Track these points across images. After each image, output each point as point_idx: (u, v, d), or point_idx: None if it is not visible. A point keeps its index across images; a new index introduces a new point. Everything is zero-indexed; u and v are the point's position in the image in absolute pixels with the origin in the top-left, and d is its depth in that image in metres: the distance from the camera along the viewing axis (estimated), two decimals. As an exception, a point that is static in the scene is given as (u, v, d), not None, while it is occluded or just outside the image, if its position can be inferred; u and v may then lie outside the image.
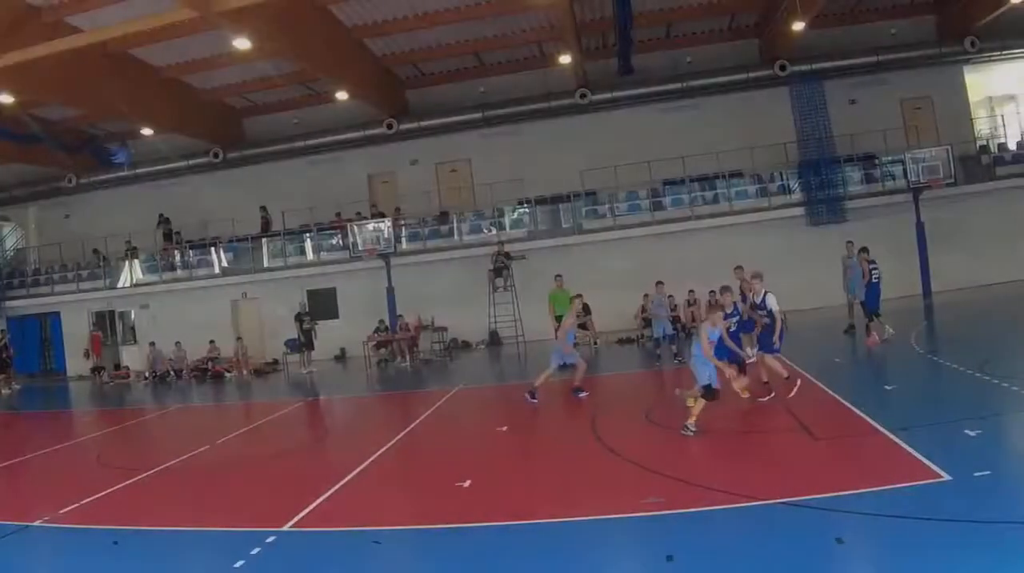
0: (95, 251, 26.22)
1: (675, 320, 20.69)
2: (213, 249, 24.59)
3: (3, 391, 21.97)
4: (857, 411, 9.61)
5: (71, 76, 19.19)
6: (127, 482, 9.47)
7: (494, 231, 23.63)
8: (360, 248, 21.98)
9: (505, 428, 11.45)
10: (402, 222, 23.61)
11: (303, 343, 21.38)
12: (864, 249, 15.82)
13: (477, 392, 15.63)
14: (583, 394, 12.68)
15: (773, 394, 10.82)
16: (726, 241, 22.50)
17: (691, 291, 20.78)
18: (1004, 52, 23.73)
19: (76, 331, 25.76)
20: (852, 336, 16.49)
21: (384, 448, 10.43)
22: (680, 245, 22.60)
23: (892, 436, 8.29)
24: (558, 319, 16.77)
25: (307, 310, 22.07)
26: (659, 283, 15.94)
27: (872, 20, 23.72)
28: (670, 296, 20.66)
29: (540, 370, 13.35)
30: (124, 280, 25.30)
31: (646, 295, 20.55)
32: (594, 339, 20.70)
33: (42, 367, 27.41)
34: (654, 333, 16.17)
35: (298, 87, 24.28)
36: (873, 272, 15.37)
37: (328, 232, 24.02)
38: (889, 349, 14.40)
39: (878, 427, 8.75)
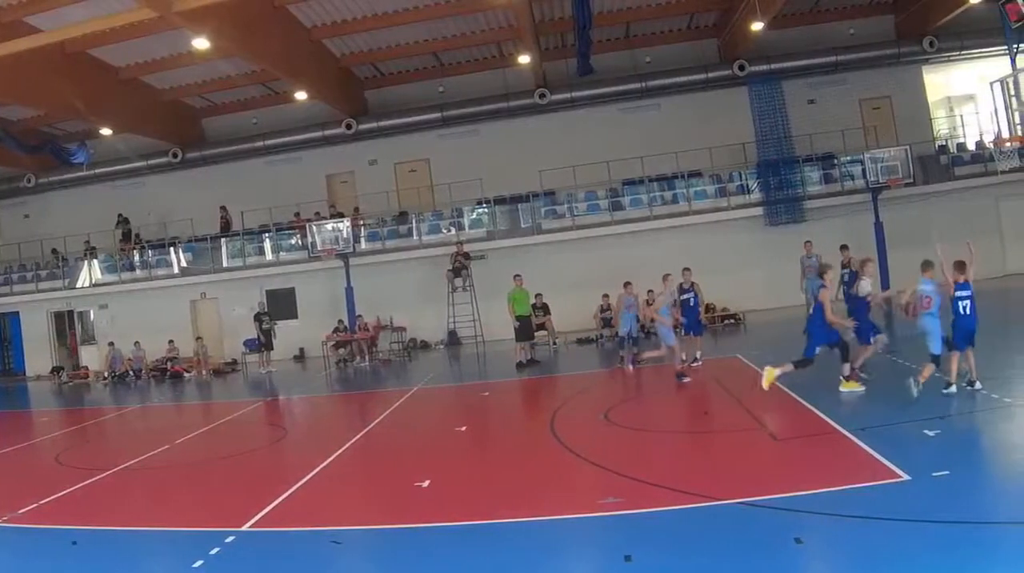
0: (54, 251, 27.29)
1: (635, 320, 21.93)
2: (172, 249, 25.67)
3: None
4: (816, 411, 10.11)
5: (30, 76, 20.01)
6: (86, 482, 9.83)
7: (453, 231, 24.74)
8: (319, 248, 23.02)
9: (464, 428, 12.09)
10: (361, 222, 24.67)
11: (262, 343, 22.43)
12: (844, 246, 16.78)
13: (436, 392, 16.43)
14: (686, 379, 13.45)
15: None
16: (685, 241, 23.67)
17: (650, 291, 21.74)
18: (963, 52, 24.96)
19: (35, 331, 26.82)
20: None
21: (343, 448, 10.97)
22: (639, 245, 23.69)
23: (851, 436, 8.72)
24: (519, 318, 17.87)
25: (266, 310, 23.10)
26: (627, 283, 16.53)
27: (831, 20, 24.96)
28: (608, 302, 21.94)
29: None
30: (83, 280, 26.35)
31: (605, 295, 21.72)
32: (553, 339, 21.82)
33: (1, 367, 28.48)
34: (620, 331, 16.68)
35: (257, 87, 25.36)
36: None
37: (287, 232, 25.12)
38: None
39: (837, 427, 9.20)
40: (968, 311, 9.83)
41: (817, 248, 23.58)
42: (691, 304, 14.79)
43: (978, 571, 5.38)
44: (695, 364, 14.80)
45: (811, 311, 12.04)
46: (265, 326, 22.43)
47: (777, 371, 11.02)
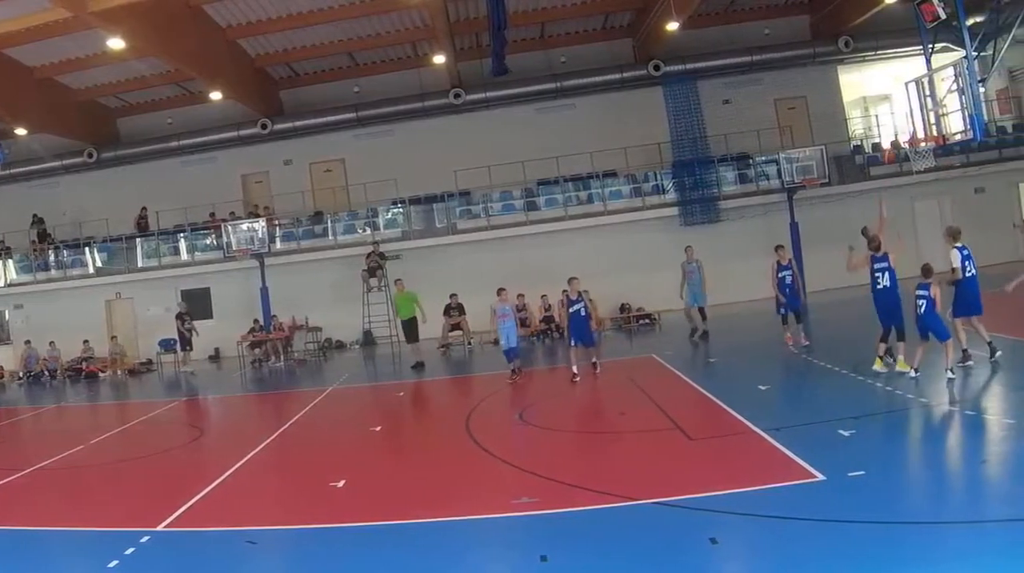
0: (-32, 251, 29.52)
1: (548, 320, 24.32)
2: (87, 249, 27.94)
3: None
4: (731, 411, 10.93)
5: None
6: None
7: (368, 231, 27.13)
8: (234, 248, 25.36)
9: (379, 428, 13.30)
10: (276, 222, 27.00)
11: (183, 343, 24.56)
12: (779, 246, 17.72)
13: (351, 392, 17.98)
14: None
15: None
16: (600, 241, 26.14)
17: (564, 291, 24.09)
18: (878, 52, 27.52)
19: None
20: (706, 340, 19.10)
21: (258, 448, 11.91)
22: (555, 245, 26.06)
23: (766, 436, 9.44)
24: (406, 321, 20.02)
25: (187, 310, 25.27)
26: (501, 290, 16.51)
27: (746, 20, 27.46)
28: (542, 296, 24.14)
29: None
30: (-3, 280, 28.62)
31: (521, 295, 23.93)
32: (468, 339, 24.12)
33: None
34: (504, 344, 16.14)
35: (172, 87, 27.63)
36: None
37: (202, 232, 27.42)
38: (763, 349, 16.49)
39: (752, 427, 9.93)
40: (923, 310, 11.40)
41: (733, 248, 26.31)
42: (581, 314, 15.31)
43: (893, 571, 5.85)
44: (595, 371, 15.50)
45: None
46: (186, 326, 24.52)
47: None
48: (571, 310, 15.24)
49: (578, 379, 14.90)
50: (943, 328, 11.31)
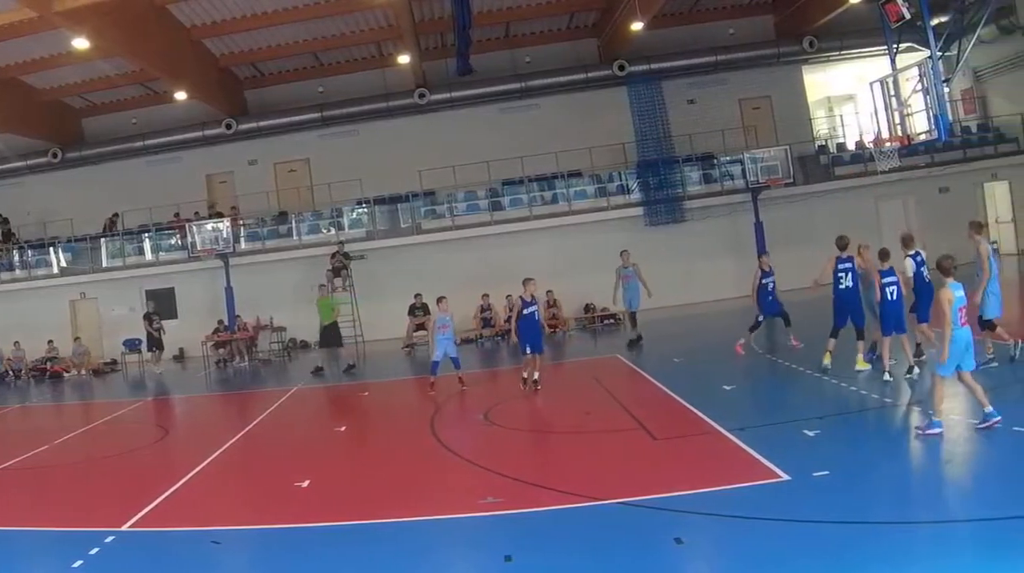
0: (-68, 250, 30.47)
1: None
2: (52, 249, 28.91)
3: None
4: (696, 411, 11.31)
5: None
6: (-36, 482, 11.10)
7: (333, 231, 28.13)
8: (198, 248, 26.31)
9: (344, 428, 13.77)
10: (241, 222, 27.99)
11: (153, 342, 25.44)
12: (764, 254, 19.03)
13: (315, 392, 18.68)
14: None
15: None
16: (565, 241, 27.18)
17: (520, 295, 25.18)
18: (842, 52, 28.65)
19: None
20: (640, 347, 19.51)
21: (223, 448, 12.34)
22: (519, 245, 27.11)
23: (731, 436, 9.81)
24: (326, 326, 20.88)
25: (156, 310, 26.13)
26: (440, 299, 16.25)
27: (711, 20, 28.58)
28: (507, 296, 24.97)
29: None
30: (-38, 280, 29.54)
31: (485, 295, 25.05)
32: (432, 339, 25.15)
33: None
34: (436, 356, 16.05)
35: (137, 87, 28.60)
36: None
37: (167, 232, 28.41)
38: (728, 349, 16.75)
39: (717, 427, 10.33)
40: (895, 297, 11.90)
41: (698, 248, 27.35)
42: (535, 318, 14.88)
43: (857, 571, 6.07)
44: (536, 387, 14.82)
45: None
46: (155, 326, 25.39)
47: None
48: (525, 313, 14.73)
49: (528, 388, 14.66)
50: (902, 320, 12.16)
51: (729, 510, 7.44)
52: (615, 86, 28.46)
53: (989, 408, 9.11)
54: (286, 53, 27.73)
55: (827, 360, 13.03)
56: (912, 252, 12.56)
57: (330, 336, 21.00)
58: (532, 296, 14.92)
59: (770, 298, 16.52)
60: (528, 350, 14.68)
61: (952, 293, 9.25)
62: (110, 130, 29.32)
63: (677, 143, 28.17)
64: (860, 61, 28.65)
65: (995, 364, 11.70)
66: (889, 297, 11.98)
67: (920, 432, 9.27)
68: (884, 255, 12.02)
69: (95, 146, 29.40)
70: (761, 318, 16.56)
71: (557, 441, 11.60)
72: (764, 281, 16.44)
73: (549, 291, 24.96)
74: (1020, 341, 11.99)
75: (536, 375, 14.82)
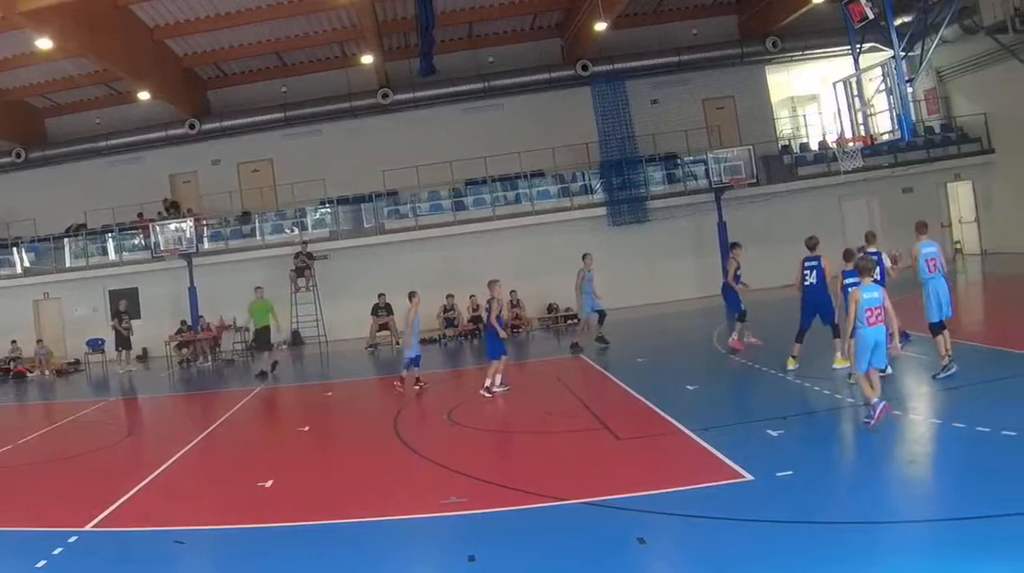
0: None
1: (476, 320, 26.30)
2: (15, 249, 29.84)
3: None
4: (659, 411, 11.63)
5: None
6: (-71, 483, 11.40)
7: (296, 231, 29.15)
8: (162, 248, 27.24)
9: (307, 428, 14.10)
10: (204, 222, 28.94)
11: (121, 341, 26.28)
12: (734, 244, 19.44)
13: (279, 392, 19.36)
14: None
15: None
16: (528, 241, 28.19)
17: (513, 291, 26.19)
18: (806, 52, 29.73)
19: None
20: (605, 348, 19.69)
21: (186, 448, 12.73)
22: (482, 245, 28.16)
23: (694, 436, 10.10)
24: (260, 329, 21.74)
25: (125, 309, 26.98)
26: (412, 294, 16.64)
27: (674, 20, 29.67)
28: (471, 296, 26.00)
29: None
30: (-75, 280, 30.44)
31: (450, 295, 25.99)
32: (396, 339, 26.04)
33: None
34: (407, 354, 16.60)
35: (100, 87, 29.52)
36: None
37: (130, 232, 29.35)
38: (691, 349, 17.81)
39: (680, 427, 10.63)
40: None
41: (661, 248, 28.34)
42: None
43: (820, 571, 6.26)
44: (497, 389, 15.06)
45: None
46: (124, 325, 26.25)
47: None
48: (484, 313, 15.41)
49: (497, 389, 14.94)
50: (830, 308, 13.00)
51: (692, 510, 7.72)
52: (578, 86, 29.49)
53: (875, 398, 9.83)
54: (249, 53, 28.67)
55: (791, 365, 13.50)
56: (873, 250, 13.20)
57: (263, 339, 21.86)
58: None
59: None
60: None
61: (863, 295, 9.94)
62: (73, 130, 30.23)
63: (640, 143, 29.20)
64: (824, 61, 29.68)
65: (954, 368, 11.81)
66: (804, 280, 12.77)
67: (868, 423, 9.76)
68: (848, 255, 12.39)
69: (58, 146, 30.31)
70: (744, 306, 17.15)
71: (520, 441, 12.00)
72: (739, 273, 17.36)
73: (513, 291, 25.83)
74: (949, 360, 11.99)
75: (498, 379, 15.06)
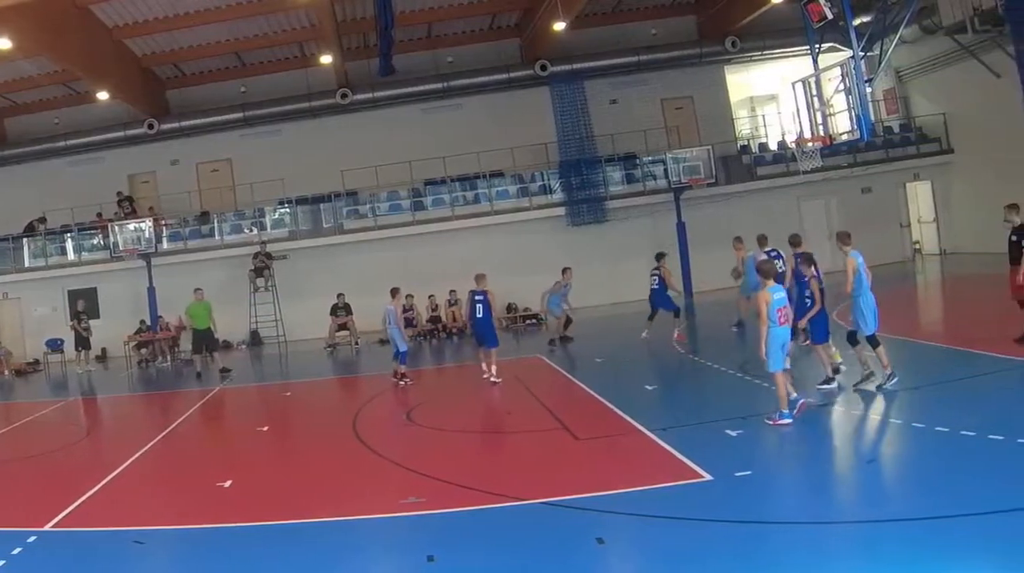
0: None
1: (435, 320, 27.43)
2: (-28, 250, 30.94)
3: None
4: (618, 411, 11.96)
5: None
6: None
7: (255, 231, 30.28)
8: (121, 248, 28.33)
9: (266, 428, 14.55)
10: (163, 222, 30.02)
11: (80, 342, 27.17)
12: (661, 254, 21.26)
13: (238, 392, 20.10)
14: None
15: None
16: (487, 241, 29.25)
17: (452, 291, 27.33)
18: (765, 52, 30.91)
19: None
20: (565, 345, 21.08)
21: (145, 448, 13.09)
22: (442, 245, 29.25)
23: (653, 436, 10.44)
24: (200, 331, 22.75)
25: (84, 309, 27.89)
26: (394, 290, 18.20)
27: (633, 20, 30.86)
28: (430, 296, 27.17)
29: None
30: None
31: (409, 295, 27.00)
32: (355, 339, 27.15)
33: None
34: (398, 348, 17.68)
35: (59, 87, 30.54)
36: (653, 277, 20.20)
37: (89, 232, 30.42)
38: (650, 350, 18.24)
39: (639, 427, 10.97)
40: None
41: (620, 248, 29.43)
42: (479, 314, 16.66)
43: (778, 570, 6.46)
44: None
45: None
46: (83, 325, 27.19)
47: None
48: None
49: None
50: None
51: (651, 510, 7.98)
52: (537, 86, 30.71)
53: (794, 395, 10.54)
54: (208, 53, 29.75)
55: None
56: (770, 250, 14.47)
57: (199, 341, 22.97)
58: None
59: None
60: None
61: (771, 295, 10.67)
62: (32, 130, 31.25)
63: (599, 143, 30.40)
64: (783, 61, 30.87)
65: (894, 380, 11.92)
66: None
67: (770, 422, 10.34)
68: (808, 260, 12.56)
69: (17, 146, 31.31)
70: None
71: (479, 441, 12.47)
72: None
73: (452, 291, 27.07)
74: (890, 371, 12.07)
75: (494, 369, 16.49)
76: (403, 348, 17.60)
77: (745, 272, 18.43)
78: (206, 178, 31.55)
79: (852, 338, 12.32)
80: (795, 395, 10.63)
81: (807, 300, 12.31)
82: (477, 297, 16.69)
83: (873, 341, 11.99)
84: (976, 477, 7.95)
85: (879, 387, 11.81)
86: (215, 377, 21.77)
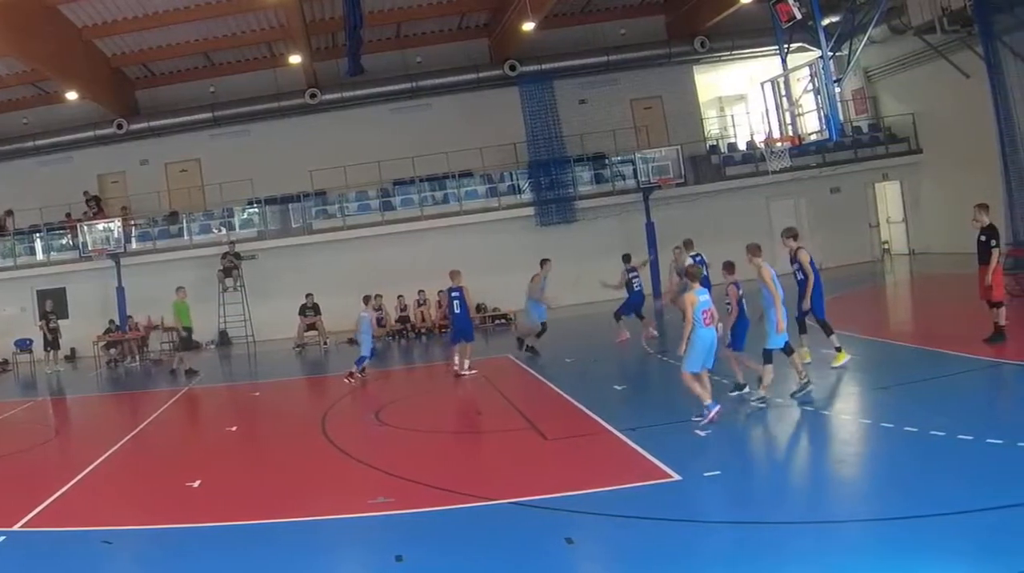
0: None
1: (404, 320, 28.19)
2: (-59, 250, 31.69)
3: None
4: (587, 411, 12.21)
5: None
6: None
7: (224, 231, 31.07)
8: (90, 248, 29.08)
9: (235, 428, 15.09)
10: (132, 222, 30.79)
11: (49, 342, 28.02)
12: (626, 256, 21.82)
13: (206, 392, 20.71)
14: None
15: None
16: (456, 241, 30.01)
17: (421, 291, 28.14)
18: (734, 52, 31.78)
19: None
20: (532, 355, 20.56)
21: (114, 448, 13.36)
22: (411, 245, 30.06)
23: (622, 436, 10.66)
24: (185, 329, 23.73)
25: (52, 309, 28.65)
26: (368, 297, 20.51)
27: (602, 20, 31.73)
28: (399, 296, 27.95)
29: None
30: None
31: (379, 295, 27.74)
32: (324, 339, 27.94)
33: None
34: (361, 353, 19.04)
35: (28, 87, 31.25)
36: (634, 280, 20.40)
37: (58, 232, 31.18)
38: (619, 349, 18.55)
39: (608, 427, 11.20)
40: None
41: (589, 248, 30.19)
42: (456, 310, 18.10)
43: (746, 570, 6.57)
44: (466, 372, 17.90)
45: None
46: (52, 325, 27.99)
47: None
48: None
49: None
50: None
51: (620, 510, 8.14)
52: (506, 86, 31.55)
53: (708, 401, 10.86)
54: (177, 53, 30.52)
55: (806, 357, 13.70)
56: (695, 254, 15.19)
57: (190, 338, 23.94)
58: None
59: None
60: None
61: (697, 297, 11.15)
62: (1, 130, 31.87)
63: (568, 143, 31.26)
64: (751, 61, 31.77)
65: (812, 388, 12.22)
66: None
67: (699, 421, 10.68)
68: (729, 267, 12.77)
69: (-14, 146, 32.12)
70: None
71: (448, 441, 12.77)
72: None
73: (440, 292, 27.58)
74: (806, 380, 12.36)
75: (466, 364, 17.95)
76: (366, 354, 18.83)
77: None
78: (175, 178, 32.30)
79: (787, 347, 12.38)
80: (709, 402, 10.98)
81: (727, 306, 12.64)
82: (454, 293, 17.99)
83: (787, 349, 12.26)
84: (946, 477, 8.23)
85: (792, 394, 12.05)
86: (182, 376, 22.55)
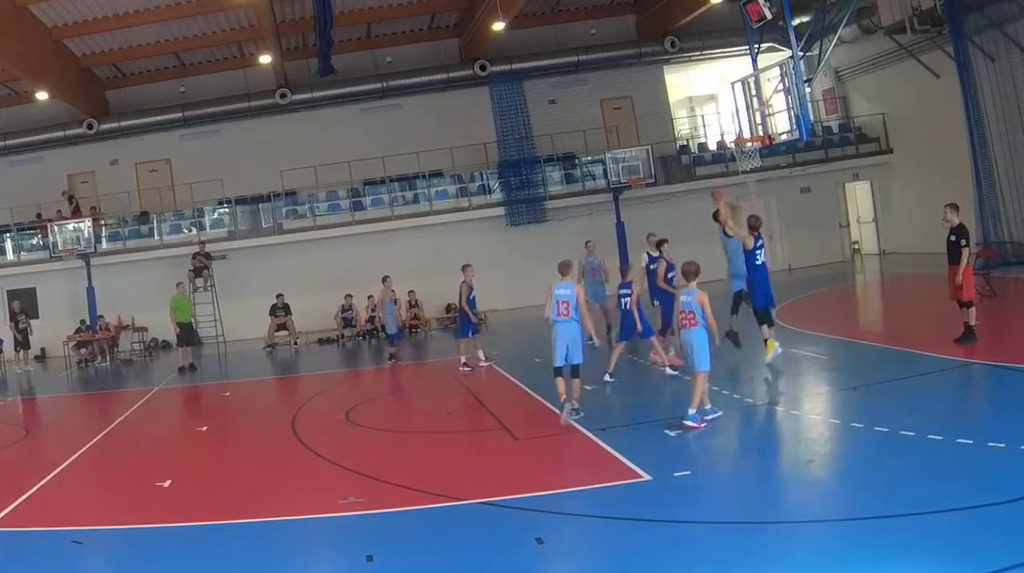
0: None
1: (373, 320, 30.24)
2: (-88, 249, 33.75)
3: None
4: (557, 411, 12.36)
5: None
6: None
7: (194, 231, 33.19)
8: (60, 248, 31.08)
9: (205, 428, 15.79)
10: (102, 222, 32.88)
11: (19, 342, 29.84)
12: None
13: (177, 392, 21.82)
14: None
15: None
16: (427, 241, 32.23)
17: (392, 290, 30.15)
18: (704, 52, 34.05)
19: None
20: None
21: (84, 448, 13.95)
22: (381, 245, 32.17)
23: (592, 436, 11.07)
24: (180, 325, 25.65)
25: (22, 309, 30.54)
26: (385, 278, 23.11)
27: (572, 20, 33.98)
28: (369, 296, 29.77)
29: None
30: None
31: (348, 295, 29.88)
32: (294, 339, 30.02)
33: None
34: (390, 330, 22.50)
35: (-2, 87, 33.47)
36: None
37: (28, 232, 33.27)
38: (588, 349, 18.37)
39: (578, 427, 11.60)
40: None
41: (560, 248, 32.03)
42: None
43: (718, 569, 6.83)
44: (483, 363, 19.40)
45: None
46: (21, 325, 29.81)
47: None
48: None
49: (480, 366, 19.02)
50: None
51: (590, 510, 8.58)
52: (477, 86, 33.77)
53: (708, 405, 11.43)
54: (148, 53, 32.54)
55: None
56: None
57: (187, 335, 25.80)
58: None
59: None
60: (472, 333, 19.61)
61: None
62: (-29, 130, 34.10)
63: (538, 143, 33.47)
64: (722, 61, 34.06)
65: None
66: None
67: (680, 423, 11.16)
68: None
69: (-44, 146, 34.18)
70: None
71: (418, 441, 13.23)
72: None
73: (411, 291, 29.81)
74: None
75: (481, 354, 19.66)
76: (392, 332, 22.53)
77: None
78: (145, 178, 34.38)
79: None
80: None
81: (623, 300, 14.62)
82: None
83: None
84: (916, 477, 8.67)
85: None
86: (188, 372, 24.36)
